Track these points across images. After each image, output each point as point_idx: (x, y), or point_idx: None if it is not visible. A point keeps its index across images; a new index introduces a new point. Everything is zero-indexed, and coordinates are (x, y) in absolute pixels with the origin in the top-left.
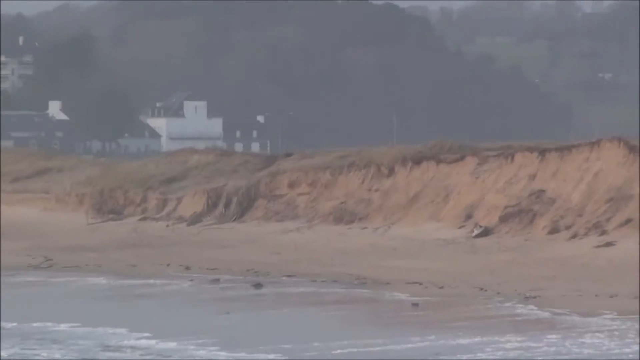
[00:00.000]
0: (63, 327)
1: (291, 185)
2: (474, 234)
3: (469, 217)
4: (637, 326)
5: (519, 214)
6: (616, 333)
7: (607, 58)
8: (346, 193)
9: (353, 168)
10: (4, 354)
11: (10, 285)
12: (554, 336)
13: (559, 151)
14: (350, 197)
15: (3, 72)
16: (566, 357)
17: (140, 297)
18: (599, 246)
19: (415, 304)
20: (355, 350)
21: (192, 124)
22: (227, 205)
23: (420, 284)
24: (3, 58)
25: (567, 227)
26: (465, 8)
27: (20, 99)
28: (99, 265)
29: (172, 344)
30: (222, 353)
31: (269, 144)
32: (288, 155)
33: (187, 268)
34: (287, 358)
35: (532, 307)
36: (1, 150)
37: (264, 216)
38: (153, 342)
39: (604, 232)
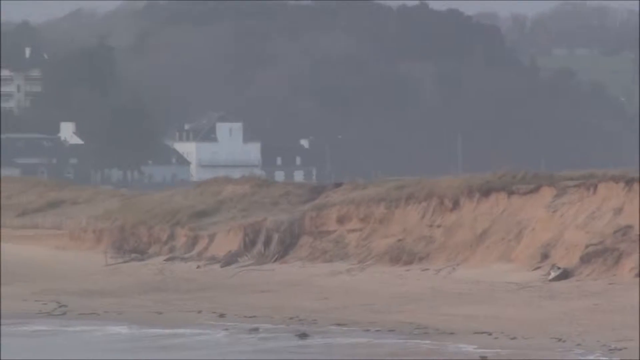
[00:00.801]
0: None
1: (340, 220)
2: (550, 277)
3: (545, 257)
4: None
5: (603, 254)
6: None
7: None
8: (404, 229)
9: (412, 200)
10: None
11: (18, 335)
12: None
13: None
14: (409, 233)
15: (7, 89)
16: None
17: (166, 349)
18: None
19: (483, 357)
20: None
21: (226, 149)
22: (266, 243)
23: (490, 334)
24: (7, 73)
25: None
26: (540, 15)
27: (28, 120)
28: (119, 312)
29: None
30: None
31: (314, 173)
32: (337, 185)
33: (221, 315)
34: None
35: None
36: (4, 179)
37: (310, 256)
38: None
39: None
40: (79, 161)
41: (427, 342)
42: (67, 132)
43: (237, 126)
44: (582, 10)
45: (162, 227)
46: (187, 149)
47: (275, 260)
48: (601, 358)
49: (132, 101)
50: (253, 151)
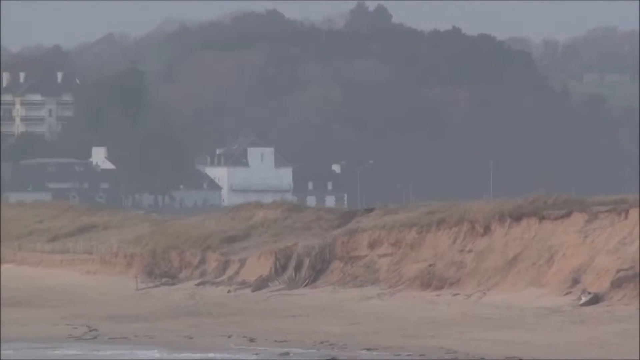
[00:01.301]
0: None
1: (371, 245)
2: (581, 302)
3: (576, 282)
4: None
5: (634, 279)
6: None
7: None
8: (435, 254)
9: (443, 225)
10: None
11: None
12: None
13: None
14: (440, 258)
15: (39, 113)
16: None
17: None
18: None
19: None
20: None
21: (258, 173)
22: (297, 268)
23: (520, 359)
24: (38, 97)
25: None
26: (572, 41)
27: (59, 144)
28: (150, 337)
29: None
30: None
31: (346, 198)
32: (368, 210)
33: (252, 340)
34: None
35: None
36: (36, 204)
37: (340, 280)
38: None
39: None
40: (110, 186)
41: None
42: (99, 156)
43: (269, 151)
44: (613, 36)
45: (193, 251)
46: (219, 173)
47: (306, 285)
48: None
49: (164, 126)
50: (284, 176)
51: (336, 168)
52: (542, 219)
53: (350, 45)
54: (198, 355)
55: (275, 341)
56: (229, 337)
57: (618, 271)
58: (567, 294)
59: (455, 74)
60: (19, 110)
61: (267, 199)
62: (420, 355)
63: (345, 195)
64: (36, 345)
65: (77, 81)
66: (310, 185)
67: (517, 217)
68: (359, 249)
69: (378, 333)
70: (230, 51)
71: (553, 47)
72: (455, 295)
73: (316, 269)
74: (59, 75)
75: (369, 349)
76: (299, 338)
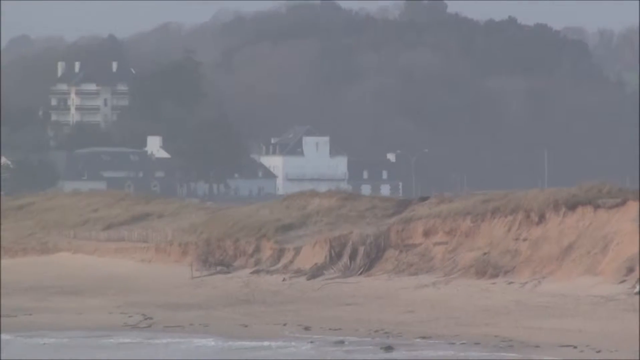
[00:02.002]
0: None
1: (426, 233)
2: (636, 290)
3: (630, 270)
4: None
5: None
6: None
7: None
8: (490, 243)
9: (498, 214)
10: None
11: (104, 348)
12: None
13: None
14: (495, 247)
15: (94, 103)
16: None
17: None
18: None
19: None
20: None
21: (313, 163)
22: (352, 256)
23: (575, 347)
24: (94, 87)
25: None
26: (627, 30)
27: (114, 133)
28: (205, 325)
29: None
30: None
31: (400, 186)
32: (423, 199)
33: (307, 328)
34: None
35: None
36: (91, 193)
37: (395, 269)
38: None
39: None
40: (165, 175)
41: (513, 354)
42: (154, 145)
43: (324, 140)
44: None
45: (248, 240)
46: (274, 162)
47: (360, 273)
48: None
49: (219, 115)
50: (339, 165)
51: (391, 157)
52: (596, 207)
53: (405, 35)
54: (253, 344)
55: (330, 329)
56: (284, 325)
57: None
58: (621, 282)
59: (510, 63)
60: (74, 100)
61: (322, 187)
62: (475, 343)
63: (400, 184)
64: (92, 333)
65: (132, 71)
66: (365, 174)
67: (572, 206)
68: (414, 237)
69: (433, 321)
70: (285, 41)
71: (608, 36)
72: (510, 283)
73: (371, 257)
74: (114, 65)
75: (423, 338)
76: (353, 326)
